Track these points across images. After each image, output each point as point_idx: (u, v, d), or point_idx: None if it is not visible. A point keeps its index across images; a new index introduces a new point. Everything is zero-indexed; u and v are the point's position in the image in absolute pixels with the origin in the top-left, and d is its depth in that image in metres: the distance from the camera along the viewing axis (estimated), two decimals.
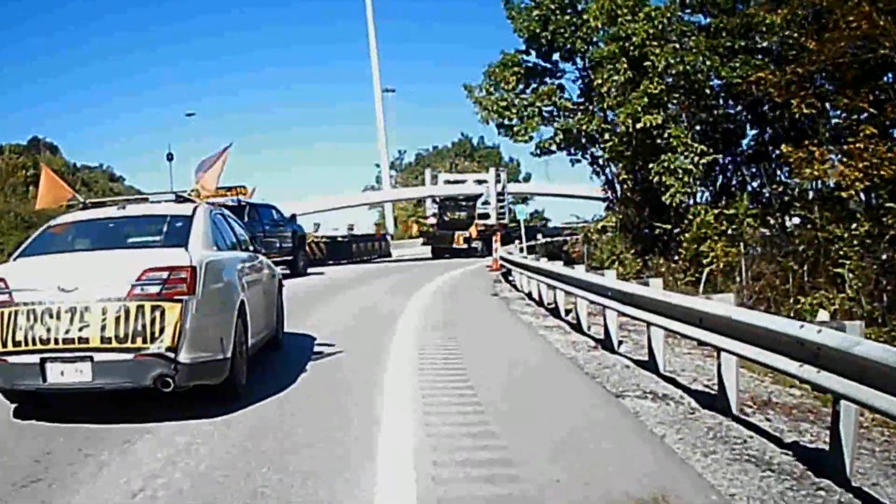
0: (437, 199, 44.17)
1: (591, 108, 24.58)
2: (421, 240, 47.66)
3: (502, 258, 22.50)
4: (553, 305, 13.31)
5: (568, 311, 12.52)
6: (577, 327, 11.11)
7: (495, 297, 16.79)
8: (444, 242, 40.76)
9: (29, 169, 68.43)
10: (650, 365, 8.02)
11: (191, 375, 6.26)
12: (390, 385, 7.37)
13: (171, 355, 6.12)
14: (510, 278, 20.87)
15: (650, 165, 20.01)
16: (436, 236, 42.14)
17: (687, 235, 18.67)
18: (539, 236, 37.72)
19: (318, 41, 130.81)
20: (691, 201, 20.52)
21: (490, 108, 25.28)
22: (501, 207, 42.46)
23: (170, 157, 46.76)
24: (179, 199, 8.15)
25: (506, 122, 25.56)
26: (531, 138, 25.63)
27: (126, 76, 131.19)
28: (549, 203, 54.70)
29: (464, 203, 42.99)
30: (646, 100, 19.25)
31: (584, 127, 24.08)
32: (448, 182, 46.35)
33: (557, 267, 13.10)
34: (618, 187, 25.23)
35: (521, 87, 25.84)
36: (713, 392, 6.83)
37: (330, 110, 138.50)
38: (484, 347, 9.63)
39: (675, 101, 21.05)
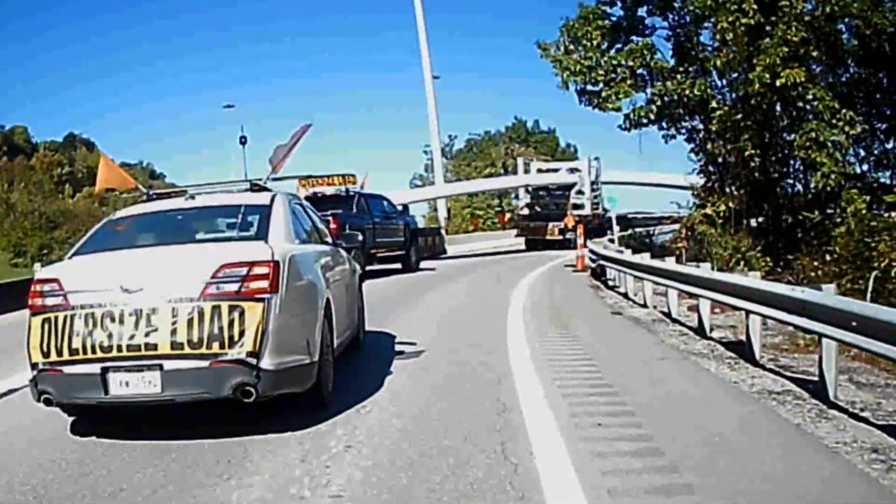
0: (530, 189, 44.73)
1: (689, 69, 21.91)
2: (478, 234, 50.27)
3: (602, 256, 19.89)
4: (744, 342, 9.62)
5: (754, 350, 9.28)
6: (821, 395, 7.23)
7: (619, 318, 13.52)
8: (537, 234, 41.20)
9: (64, 166, 72.25)
10: None
11: (275, 383, 6.00)
12: None
13: (253, 361, 5.85)
14: (610, 282, 18.46)
15: (792, 137, 15.81)
16: (530, 228, 42.50)
17: (841, 228, 15.30)
18: (617, 227, 34.48)
19: (360, 26, 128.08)
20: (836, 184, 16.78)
21: (571, 69, 22.49)
22: (596, 197, 42.66)
23: (243, 141, 44.60)
24: (254, 187, 8.03)
25: (589, 86, 22.91)
26: (620, 108, 22.81)
27: (165, 75, 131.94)
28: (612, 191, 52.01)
29: (557, 192, 43.01)
30: (785, 49, 14.65)
31: (686, 92, 21.05)
32: (541, 171, 46.87)
33: (757, 282, 9.49)
34: (721, 169, 22.45)
35: (605, 45, 23.08)
36: None
37: (374, 97, 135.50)
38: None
39: (812, 57, 18.50)
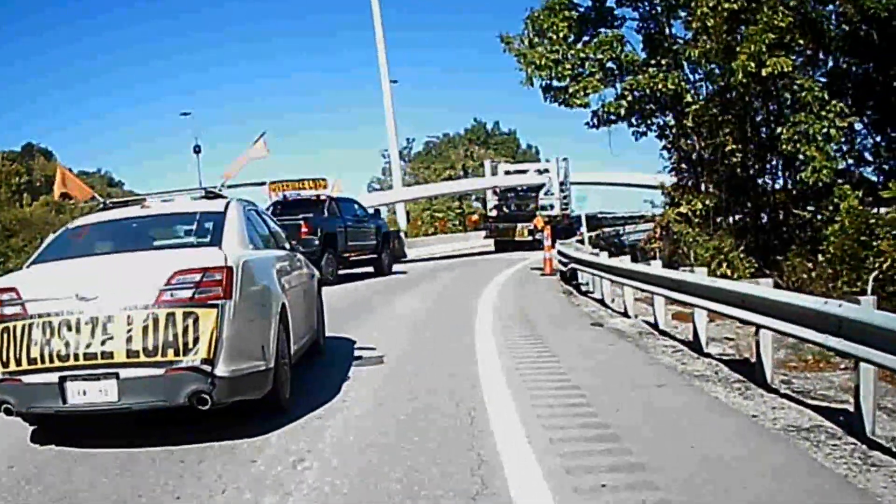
0: (498, 191, 44.98)
1: (661, 62, 20.94)
2: (438, 236, 49.41)
3: (575, 259, 18.79)
4: (751, 361, 8.57)
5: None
6: (856, 431, 6.14)
7: (601, 330, 12.15)
8: (507, 235, 42.38)
9: (22, 176, 74.01)
10: None
11: (231, 390, 6.10)
12: None
13: (208, 368, 5.95)
14: (583, 287, 17.72)
15: (777, 130, 16.92)
16: (499, 229, 43.49)
17: (834, 226, 14.42)
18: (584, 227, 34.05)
19: (315, 27, 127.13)
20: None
21: (536, 64, 21.37)
22: (565, 198, 42.76)
23: (197, 150, 46.31)
24: (210, 194, 8.16)
25: (555, 82, 21.81)
26: (588, 104, 21.96)
27: (123, 84, 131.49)
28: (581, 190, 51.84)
29: (524, 194, 43.66)
30: (770, 36, 13.57)
31: (658, 86, 20.17)
32: (508, 172, 47.01)
33: (772, 292, 8.13)
34: (697, 165, 21.71)
35: (572, 38, 21.96)
36: None
37: (330, 98, 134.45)
38: None
39: (798, 45, 17.69)
